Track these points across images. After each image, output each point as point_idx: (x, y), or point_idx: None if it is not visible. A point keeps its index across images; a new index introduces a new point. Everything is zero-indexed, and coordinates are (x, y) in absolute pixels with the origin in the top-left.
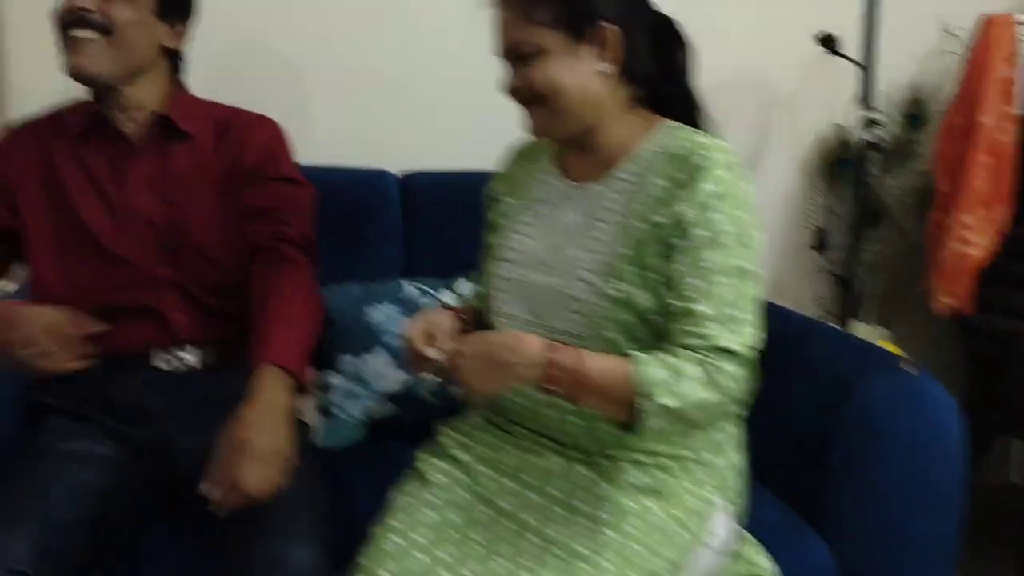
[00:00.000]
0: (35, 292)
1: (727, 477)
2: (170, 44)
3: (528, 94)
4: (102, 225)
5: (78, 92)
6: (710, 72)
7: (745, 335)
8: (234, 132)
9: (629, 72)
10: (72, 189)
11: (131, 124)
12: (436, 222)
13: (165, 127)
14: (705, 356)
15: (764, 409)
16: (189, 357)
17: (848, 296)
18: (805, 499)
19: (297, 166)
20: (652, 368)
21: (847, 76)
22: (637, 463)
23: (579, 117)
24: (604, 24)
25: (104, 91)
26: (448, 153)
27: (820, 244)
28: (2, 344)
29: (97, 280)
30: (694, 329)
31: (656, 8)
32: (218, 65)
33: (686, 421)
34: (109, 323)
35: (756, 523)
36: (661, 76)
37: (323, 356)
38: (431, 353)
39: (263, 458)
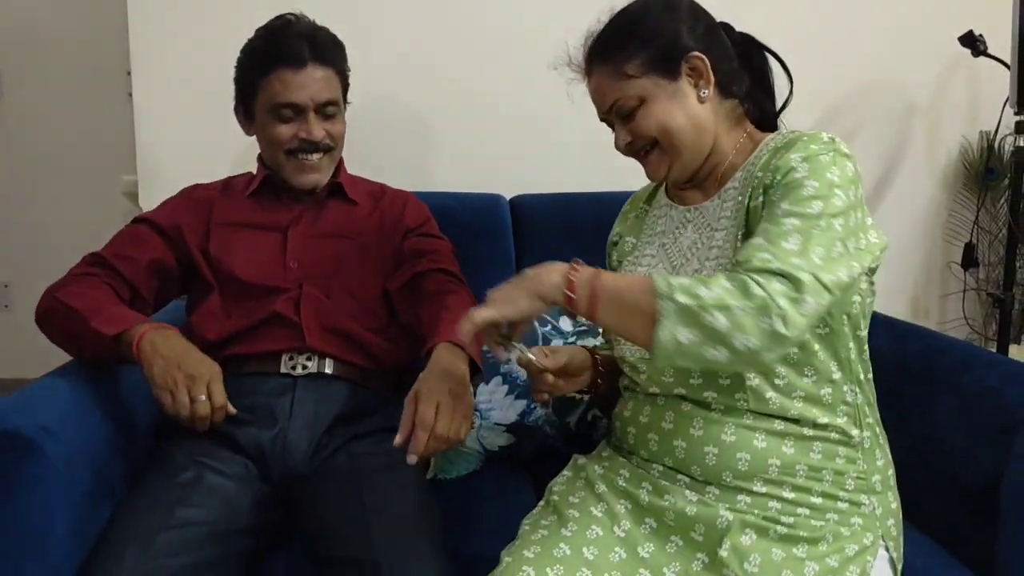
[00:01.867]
0: (191, 312)
1: (885, 520)
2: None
3: (642, 144)
4: (257, 265)
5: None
6: (842, 78)
7: (798, 263)
8: (387, 200)
9: (726, 90)
10: (235, 236)
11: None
12: (546, 243)
13: (332, 192)
14: (741, 272)
15: (914, 444)
16: (313, 365)
17: (1004, 318)
18: (965, 544)
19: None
20: (675, 278)
21: (994, 79)
22: (782, 500)
23: (695, 149)
24: (692, 54)
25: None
26: (556, 177)
27: (969, 261)
28: (172, 377)
29: (246, 304)
30: (743, 256)
31: (730, 26)
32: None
33: (709, 331)
34: (248, 334)
35: (910, 570)
36: (759, 90)
37: None
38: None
39: (451, 406)
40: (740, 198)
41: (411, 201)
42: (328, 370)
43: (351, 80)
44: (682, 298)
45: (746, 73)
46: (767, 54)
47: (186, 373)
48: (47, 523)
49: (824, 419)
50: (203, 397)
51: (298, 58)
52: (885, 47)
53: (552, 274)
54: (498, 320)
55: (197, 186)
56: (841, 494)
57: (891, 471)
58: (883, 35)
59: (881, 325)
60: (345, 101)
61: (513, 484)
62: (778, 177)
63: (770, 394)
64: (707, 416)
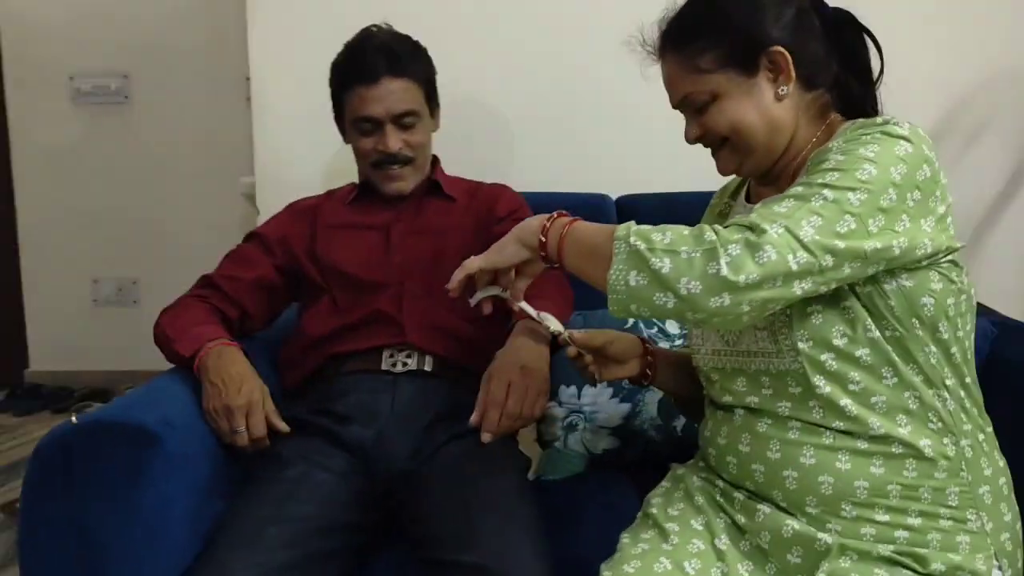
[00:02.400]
0: (303, 314)
1: (998, 536)
2: (435, 130)
3: (712, 139)
4: (361, 260)
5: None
6: (972, 69)
7: (775, 218)
8: (483, 193)
9: (810, 83)
10: (339, 238)
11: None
12: None
13: (430, 190)
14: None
15: None
16: (413, 362)
17: None
18: None
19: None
20: (642, 226)
21: None
22: (875, 523)
23: (769, 148)
24: (772, 49)
25: None
26: (664, 176)
27: None
28: (214, 407)
29: (353, 299)
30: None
31: (823, 2)
32: (453, 114)
33: (655, 274)
34: (351, 331)
35: None
36: (849, 73)
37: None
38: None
39: (523, 384)
40: None
41: (507, 192)
42: (428, 367)
43: (453, 84)
44: (635, 240)
45: (835, 57)
46: (863, 33)
47: (224, 404)
48: (166, 514)
49: (912, 431)
50: (241, 429)
51: (372, 73)
52: (1016, 31)
53: (533, 221)
54: (485, 267)
55: (300, 200)
56: (943, 511)
57: (1003, 479)
58: (1015, 20)
59: (1014, 331)
60: (434, 106)
61: (616, 489)
62: (820, 156)
63: (845, 401)
64: (784, 437)
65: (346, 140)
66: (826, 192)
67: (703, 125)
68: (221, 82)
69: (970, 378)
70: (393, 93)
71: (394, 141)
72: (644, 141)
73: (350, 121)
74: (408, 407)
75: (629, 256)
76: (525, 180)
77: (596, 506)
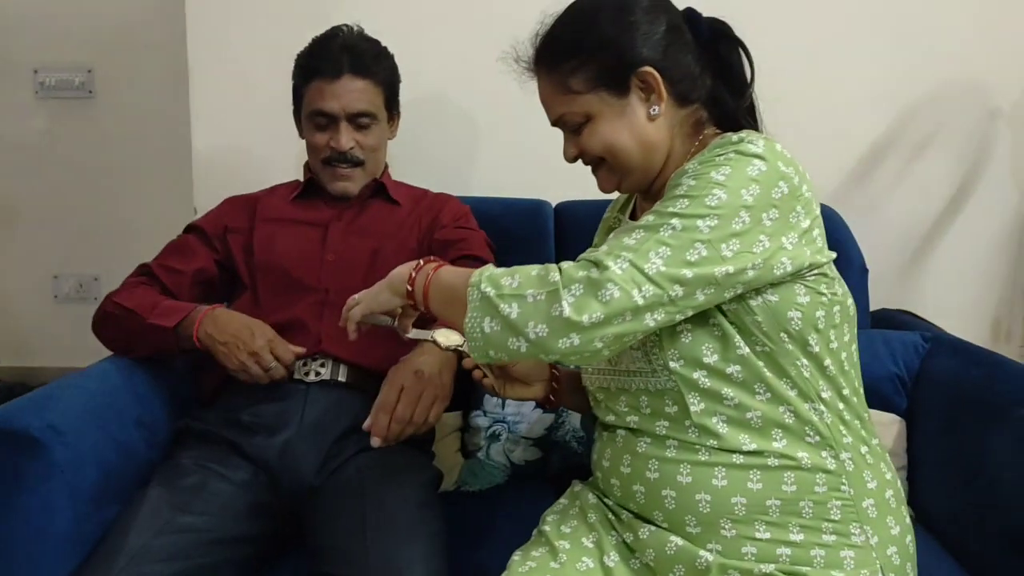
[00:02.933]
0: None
1: (884, 550)
2: (391, 138)
3: (590, 159)
4: (295, 255)
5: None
6: (917, 79)
7: (621, 253)
8: (428, 201)
9: (684, 99)
10: (277, 232)
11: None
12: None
13: (375, 192)
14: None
15: (967, 477)
16: (327, 371)
17: None
18: None
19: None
20: (497, 269)
21: None
22: (756, 541)
23: (644, 167)
24: (642, 69)
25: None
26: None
27: None
28: (239, 359)
29: (277, 300)
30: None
31: (697, 15)
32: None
33: (506, 320)
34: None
35: None
36: (724, 87)
37: (468, 397)
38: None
39: (416, 390)
40: None
41: (452, 201)
42: (342, 377)
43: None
44: (486, 287)
45: (708, 72)
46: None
47: (248, 351)
48: (47, 523)
49: (787, 444)
50: (274, 364)
51: (334, 69)
52: (966, 45)
53: (403, 268)
54: (365, 313)
55: (245, 195)
56: (825, 525)
57: (890, 492)
58: (964, 32)
59: (945, 346)
60: (394, 113)
61: (535, 501)
62: (675, 181)
63: (717, 418)
64: (662, 456)
65: (302, 135)
66: (675, 221)
67: (579, 145)
68: (184, 76)
69: (849, 390)
70: (352, 92)
71: (347, 139)
72: None
73: (307, 114)
74: (318, 418)
75: (481, 303)
76: (461, 185)
77: (512, 518)
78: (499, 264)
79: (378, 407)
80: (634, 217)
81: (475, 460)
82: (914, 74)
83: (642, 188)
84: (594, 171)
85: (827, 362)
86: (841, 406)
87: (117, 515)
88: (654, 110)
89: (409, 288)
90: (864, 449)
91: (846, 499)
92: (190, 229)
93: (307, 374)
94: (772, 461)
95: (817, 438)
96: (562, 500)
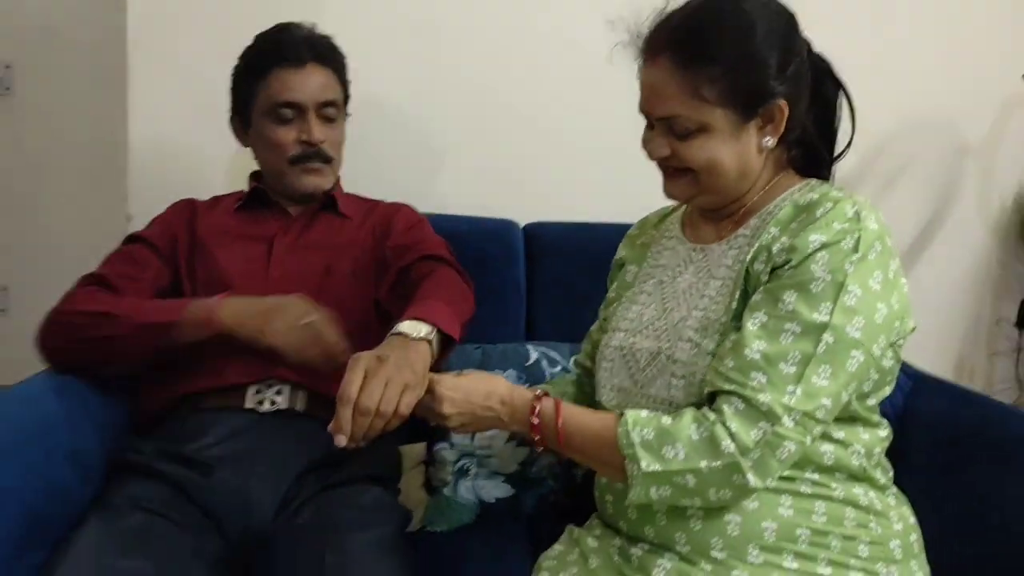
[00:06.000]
0: None
1: None
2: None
3: (678, 165)
4: (236, 271)
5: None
6: (889, 116)
7: (790, 395)
8: (379, 211)
9: (785, 137)
10: (219, 246)
11: (293, 204)
12: (559, 273)
13: (324, 205)
14: (720, 414)
15: (961, 517)
16: (283, 400)
17: None
18: None
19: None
20: (639, 430)
21: None
22: (783, 570)
23: (732, 192)
24: (776, 103)
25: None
26: (573, 204)
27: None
28: (300, 339)
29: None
30: (734, 374)
31: (810, 47)
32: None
33: (681, 488)
34: (210, 364)
35: None
36: (818, 134)
37: (434, 428)
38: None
39: (382, 376)
40: (746, 248)
41: (404, 209)
42: (299, 407)
43: (355, 93)
44: (648, 464)
45: (811, 113)
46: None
47: (312, 335)
48: None
49: (821, 476)
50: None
51: (298, 57)
52: (936, 82)
53: (517, 412)
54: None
55: (187, 201)
56: (852, 562)
57: (914, 536)
58: (934, 69)
59: (930, 383)
60: (345, 110)
61: (507, 542)
62: (792, 260)
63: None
64: None
65: (245, 141)
66: (827, 336)
67: (676, 149)
68: (108, 77)
69: (882, 432)
70: (318, 80)
71: (318, 131)
72: (555, 166)
73: (265, 109)
74: (274, 455)
75: (647, 478)
76: (426, 203)
77: (482, 562)
78: (473, 284)
79: (338, 400)
80: (685, 232)
81: (441, 497)
82: (883, 109)
83: (714, 207)
84: (671, 176)
85: (855, 405)
86: (878, 450)
87: (46, 561)
88: (767, 142)
89: (535, 436)
90: (893, 490)
91: (875, 537)
92: (134, 239)
93: (260, 403)
94: (804, 488)
95: (848, 474)
96: (558, 545)
